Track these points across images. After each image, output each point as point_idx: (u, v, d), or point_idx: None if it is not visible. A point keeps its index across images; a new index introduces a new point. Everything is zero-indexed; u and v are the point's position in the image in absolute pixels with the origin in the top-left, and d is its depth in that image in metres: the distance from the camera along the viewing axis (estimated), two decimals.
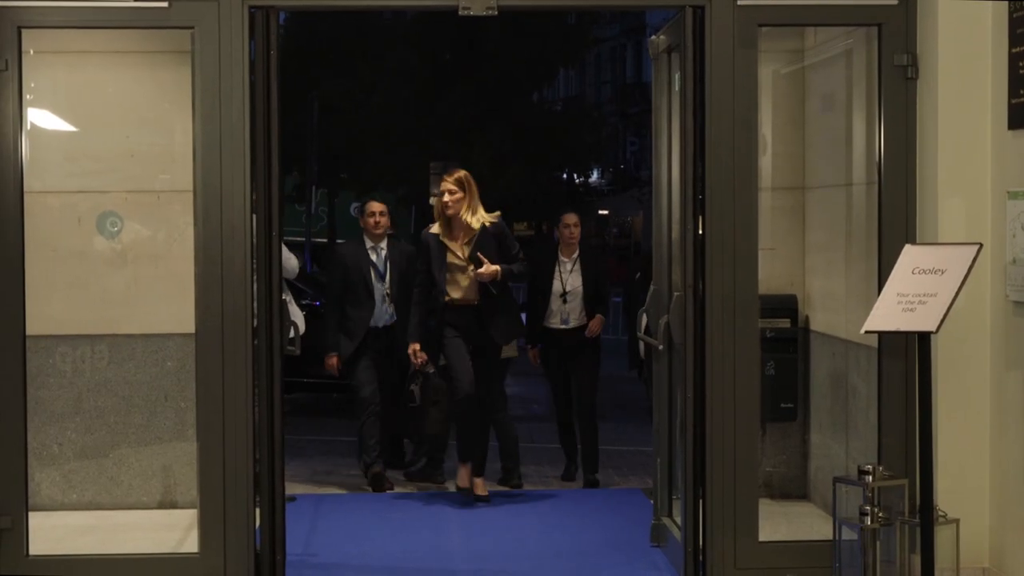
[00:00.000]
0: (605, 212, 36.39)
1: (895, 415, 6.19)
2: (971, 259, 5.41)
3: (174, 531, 7.05)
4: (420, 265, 8.36)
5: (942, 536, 5.72)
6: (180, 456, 7.52)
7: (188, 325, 6.36)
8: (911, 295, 5.37)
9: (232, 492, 6.13)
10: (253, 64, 6.15)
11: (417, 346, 8.31)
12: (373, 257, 8.90)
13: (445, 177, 8.22)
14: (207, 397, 6.15)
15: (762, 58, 6.54)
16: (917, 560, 5.56)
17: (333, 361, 8.93)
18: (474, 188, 8.16)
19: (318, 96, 26.58)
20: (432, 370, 8.39)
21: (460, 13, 6.27)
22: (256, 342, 6.14)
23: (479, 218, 8.12)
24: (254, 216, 6.14)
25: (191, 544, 6.36)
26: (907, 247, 5.61)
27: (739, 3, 6.18)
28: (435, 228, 8.24)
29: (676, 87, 6.77)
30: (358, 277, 8.82)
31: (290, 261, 9.24)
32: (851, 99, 7.17)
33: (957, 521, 5.82)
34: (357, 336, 8.80)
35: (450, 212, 8.09)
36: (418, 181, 23.77)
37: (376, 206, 9.06)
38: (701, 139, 6.23)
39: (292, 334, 6.34)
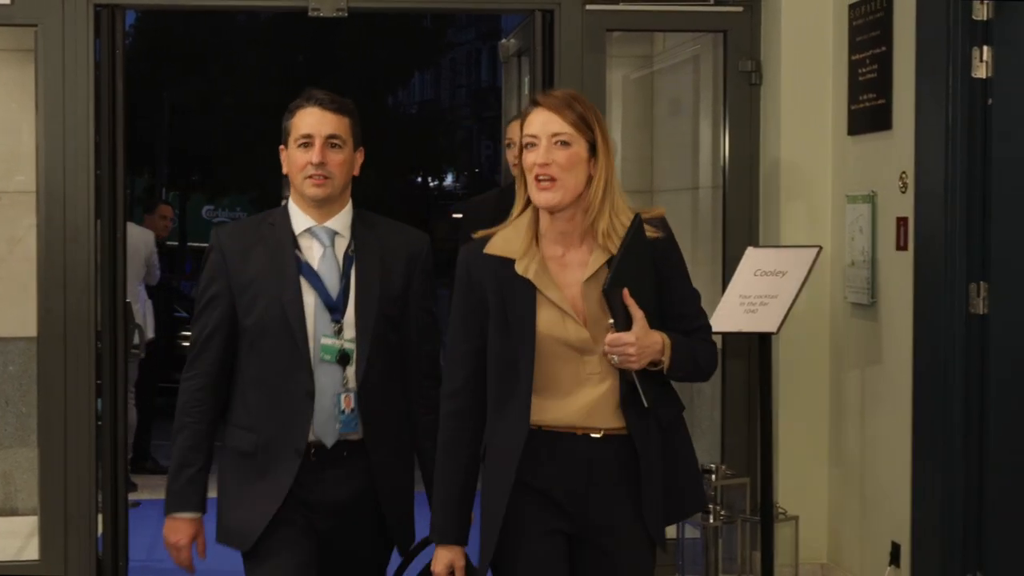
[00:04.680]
0: (460, 215, 36.43)
1: (738, 415, 6.29)
2: (811, 261, 5.53)
3: (15, 538, 6.89)
4: (455, 332, 3.58)
5: (782, 533, 5.83)
6: (21, 462, 7.36)
7: (30, 329, 6.23)
8: (753, 296, 5.46)
9: (74, 498, 6.00)
10: (99, 63, 6.05)
11: (457, 559, 3.58)
12: (314, 257, 3.81)
13: (533, 107, 3.48)
14: (48, 402, 6.03)
15: (612, 63, 6.60)
16: (758, 557, 5.67)
17: (179, 550, 3.89)
18: (608, 138, 3.50)
19: (170, 97, 26.28)
20: None
21: (310, 14, 6.22)
22: (100, 346, 6.05)
23: (620, 217, 3.47)
24: (98, 220, 6.05)
25: (32, 551, 6.23)
26: (749, 249, 5.70)
27: (588, 8, 6.22)
28: (499, 243, 3.52)
29: (526, 91, 6.82)
30: (274, 311, 3.74)
31: (155, 270, 9.13)
32: (698, 104, 7.27)
33: (797, 518, 5.94)
34: (276, 492, 3.75)
35: (549, 200, 3.42)
36: (272, 184, 23.63)
37: (312, 119, 3.78)
38: None
39: (137, 339, 6.27)
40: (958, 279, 5.09)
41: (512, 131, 3.52)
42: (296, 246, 3.80)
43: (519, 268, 3.46)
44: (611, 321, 3.38)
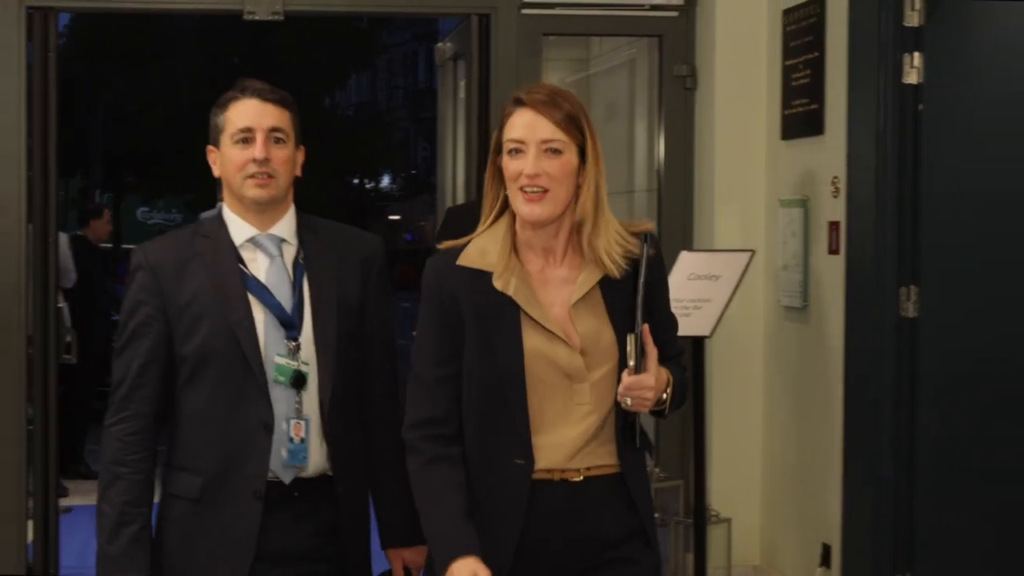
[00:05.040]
0: (397, 217, 36.40)
1: (672, 418, 6.29)
2: (744, 265, 5.56)
3: None
4: (425, 353, 3.13)
5: (715, 535, 5.86)
6: None
7: None
8: (686, 300, 5.48)
9: (4, 504, 5.93)
10: (31, 66, 5.99)
11: (480, 568, 2.98)
12: (259, 269, 3.37)
13: (516, 107, 3.07)
14: None
15: (548, 66, 6.62)
16: (691, 559, 5.69)
17: None
18: (597, 140, 3.11)
19: (104, 98, 26.08)
20: None
21: (245, 18, 6.19)
22: (31, 351, 5.98)
23: (612, 232, 3.11)
24: (30, 224, 5.99)
25: None
26: (683, 253, 5.72)
27: (524, 12, 6.24)
28: (474, 253, 3.12)
29: (462, 94, 6.82)
30: (221, 334, 3.27)
31: (69, 272, 9.09)
32: (633, 108, 7.30)
33: (729, 520, 5.98)
34: (240, 547, 3.25)
35: (539, 214, 3.05)
36: (206, 186, 23.45)
37: (251, 110, 3.37)
38: (485, 146, 6.27)
39: (69, 338, 6.21)
40: (888, 282, 5.13)
41: None
42: (234, 254, 3.33)
43: (498, 283, 3.06)
44: (631, 362, 3.01)
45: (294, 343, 3.28)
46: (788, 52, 5.93)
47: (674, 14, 6.35)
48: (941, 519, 5.16)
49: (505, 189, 3.09)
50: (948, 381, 5.16)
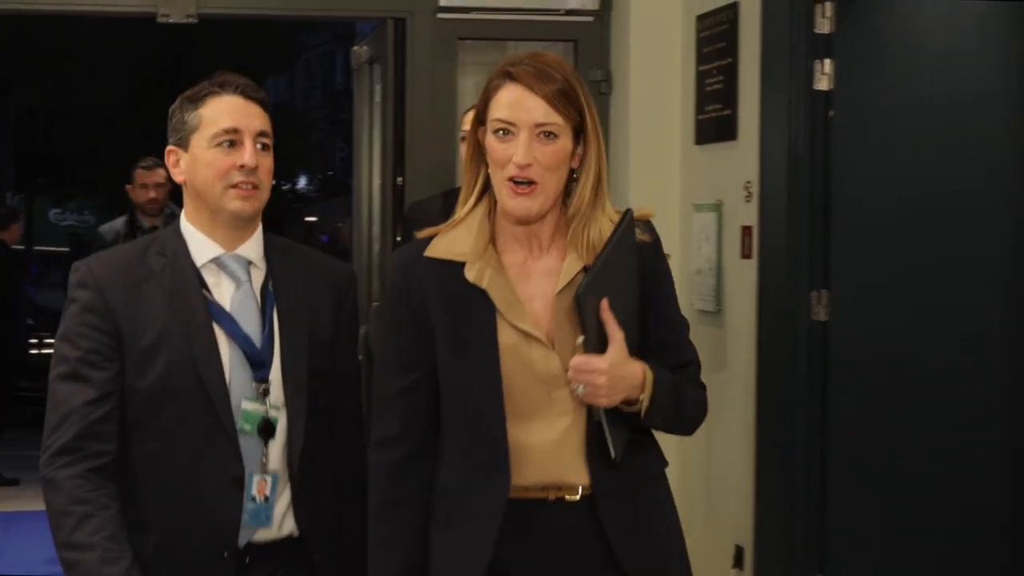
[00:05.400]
0: (313, 219, 36.25)
1: None
2: None
3: None
4: (387, 361, 2.83)
5: None
6: None
7: None
8: None
9: None
10: None
11: None
12: (223, 296, 2.92)
13: (505, 81, 2.73)
14: None
15: (463, 70, 6.62)
16: None
17: None
18: (596, 120, 2.81)
19: (17, 99, 25.79)
20: None
21: (159, 20, 6.14)
22: None
23: (605, 219, 2.79)
24: None
25: None
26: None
27: (439, 16, 6.24)
28: (444, 244, 2.78)
29: (378, 98, 6.81)
30: (182, 369, 2.81)
31: None
32: None
33: None
34: None
35: (528, 209, 2.71)
36: (120, 189, 23.28)
37: (236, 109, 2.95)
38: (401, 150, 6.28)
39: None
40: (800, 287, 5.18)
41: (467, 123, 3.25)
42: (194, 274, 2.88)
43: (470, 274, 2.70)
44: (581, 339, 2.62)
45: (263, 385, 2.85)
46: (702, 58, 5.97)
47: (589, 19, 6.38)
48: (853, 520, 5.21)
49: (487, 168, 2.75)
50: (859, 384, 5.22)
